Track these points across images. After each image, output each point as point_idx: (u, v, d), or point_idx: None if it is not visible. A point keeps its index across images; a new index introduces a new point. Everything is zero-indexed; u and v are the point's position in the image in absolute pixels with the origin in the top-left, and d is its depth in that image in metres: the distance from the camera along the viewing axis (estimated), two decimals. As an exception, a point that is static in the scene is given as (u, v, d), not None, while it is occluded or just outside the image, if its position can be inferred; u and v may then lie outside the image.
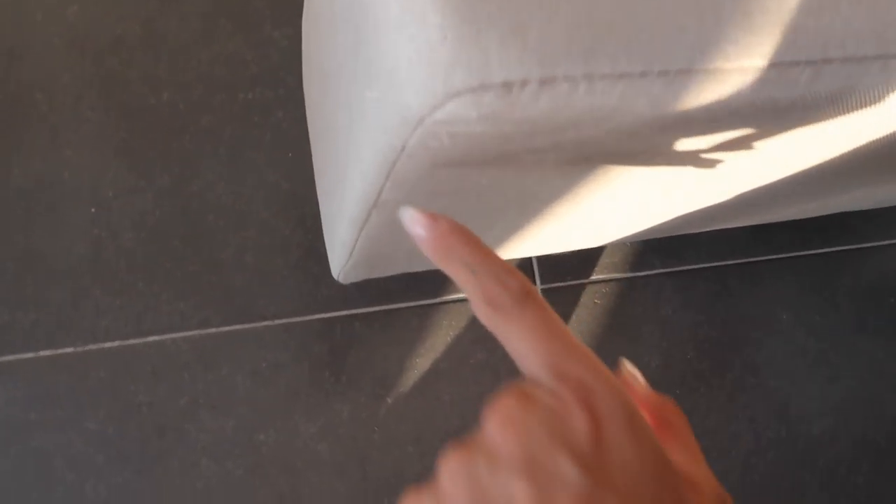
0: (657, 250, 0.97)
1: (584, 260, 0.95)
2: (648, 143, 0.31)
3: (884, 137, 0.40)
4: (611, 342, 0.94)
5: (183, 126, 0.91)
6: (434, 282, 0.91)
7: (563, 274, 0.95)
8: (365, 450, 0.86)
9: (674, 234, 0.79)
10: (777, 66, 0.28)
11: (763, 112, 0.30)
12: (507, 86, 0.26)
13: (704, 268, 0.98)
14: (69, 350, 0.83)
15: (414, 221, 0.23)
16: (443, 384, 0.90)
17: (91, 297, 0.85)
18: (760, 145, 0.35)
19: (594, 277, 0.95)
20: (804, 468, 0.93)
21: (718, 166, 0.41)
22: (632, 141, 0.31)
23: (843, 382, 0.97)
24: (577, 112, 0.27)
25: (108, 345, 0.84)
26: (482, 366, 0.91)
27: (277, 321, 0.88)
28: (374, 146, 0.31)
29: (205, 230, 0.89)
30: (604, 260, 0.96)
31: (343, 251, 0.54)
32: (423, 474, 0.86)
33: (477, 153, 0.30)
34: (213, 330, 0.86)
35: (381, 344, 0.89)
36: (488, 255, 0.22)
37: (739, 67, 0.28)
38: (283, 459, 0.84)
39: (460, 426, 0.89)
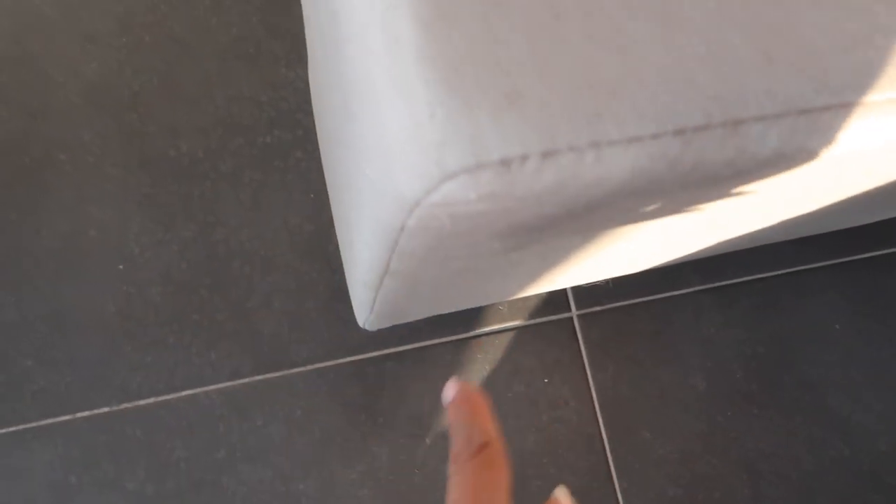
0: (695, 267, 0.93)
1: (620, 281, 0.92)
2: (671, 202, 0.29)
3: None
4: (655, 366, 0.90)
5: (204, 174, 0.91)
6: (465, 315, 0.89)
7: (599, 297, 0.92)
8: (406, 493, 0.84)
9: (714, 254, 0.76)
10: (807, 111, 0.25)
11: (796, 158, 0.27)
12: (505, 163, 0.23)
13: (747, 281, 0.94)
14: (105, 410, 0.83)
15: (446, 389, 0.32)
16: (481, 421, 0.87)
17: (123, 355, 0.85)
18: (797, 187, 0.32)
19: (631, 300, 0.92)
20: (872, 489, 0.88)
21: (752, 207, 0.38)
22: (652, 201, 0.28)
23: (906, 394, 0.91)
24: (586, 183, 0.24)
25: (142, 402, 0.84)
26: (520, 398, 0.88)
27: (309, 367, 0.86)
28: (374, 223, 0.29)
29: (231, 278, 0.88)
30: (640, 280, 0.92)
31: (364, 308, 0.53)
32: (467, 517, 0.84)
33: (483, 228, 0.28)
34: (245, 380, 0.85)
35: (415, 382, 0.87)
36: (474, 416, 0.30)
37: (762, 116, 0.25)
38: (323, 508, 0.82)
39: (502, 463, 0.86)
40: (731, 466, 0.88)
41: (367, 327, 0.68)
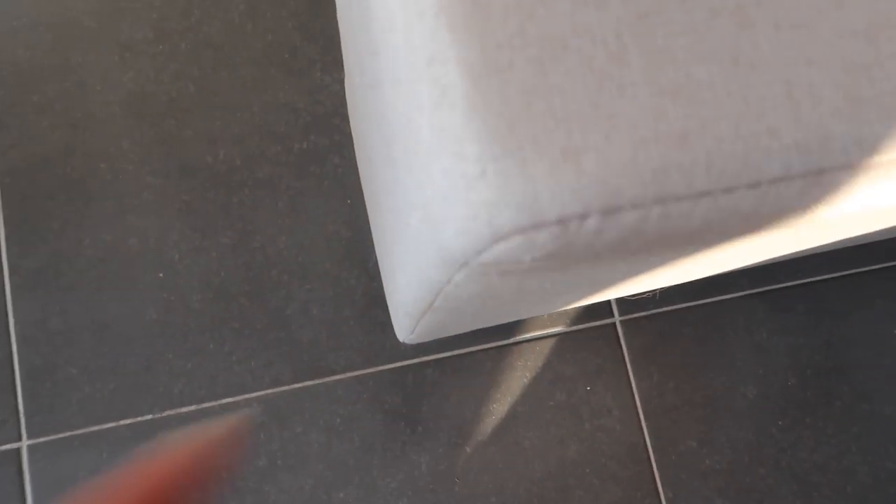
0: (744, 270, 0.90)
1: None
2: (739, 241, 0.27)
3: None
4: (702, 373, 0.87)
5: (241, 181, 0.91)
6: (506, 322, 0.87)
7: (644, 303, 0.89)
8: (446, 503, 0.83)
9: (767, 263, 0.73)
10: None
11: (886, 205, 0.24)
12: (562, 222, 0.22)
13: (800, 285, 0.90)
14: (148, 417, 0.84)
15: None
16: (522, 429, 0.85)
17: (164, 362, 0.85)
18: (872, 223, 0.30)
19: (677, 305, 0.89)
20: (932, 503, 0.84)
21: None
22: (719, 245, 0.26)
23: (970, 403, 0.87)
24: (649, 240, 0.23)
25: (184, 409, 0.84)
26: (562, 407, 0.86)
27: (348, 374, 0.86)
28: (418, 273, 0.28)
29: (269, 286, 0.88)
30: (686, 284, 0.89)
31: (404, 330, 0.51)
32: (509, 528, 0.83)
33: (534, 280, 0.26)
34: (285, 388, 0.85)
35: (456, 390, 0.86)
36: None
37: (848, 165, 0.22)
38: (363, 517, 0.82)
39: (543, 473, 0.84)
40: (783, 478, 0.85)
41: (406, 342, 0.67)
